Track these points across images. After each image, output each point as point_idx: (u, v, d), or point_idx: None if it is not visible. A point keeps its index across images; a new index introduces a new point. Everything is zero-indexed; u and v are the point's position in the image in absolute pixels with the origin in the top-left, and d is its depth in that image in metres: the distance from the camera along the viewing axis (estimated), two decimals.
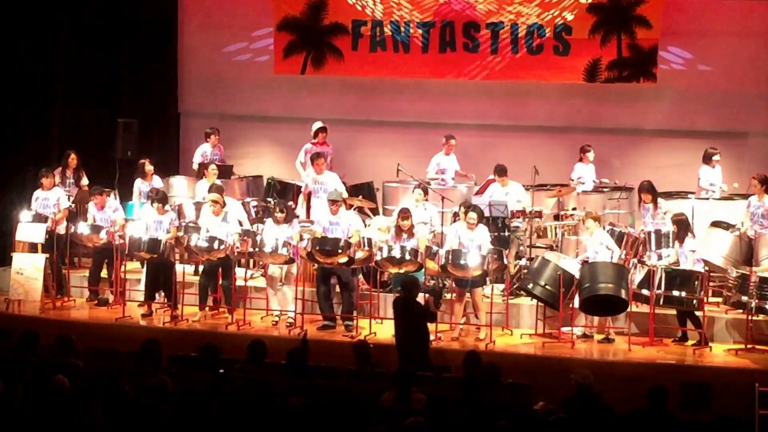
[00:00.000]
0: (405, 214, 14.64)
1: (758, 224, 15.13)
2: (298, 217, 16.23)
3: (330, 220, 14.89)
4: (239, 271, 15.64)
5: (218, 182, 16.59)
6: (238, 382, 10.42)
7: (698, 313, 14.09)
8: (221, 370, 10.79)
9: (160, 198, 15.46)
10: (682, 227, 14.38)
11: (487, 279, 14.62)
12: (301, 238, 14.87)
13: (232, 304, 15.12)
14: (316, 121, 18.28)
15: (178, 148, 20.28)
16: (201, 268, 15.89)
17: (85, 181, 17.49)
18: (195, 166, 18.30)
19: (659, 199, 15.48)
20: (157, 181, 17.30)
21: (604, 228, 14.92)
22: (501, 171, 16.49)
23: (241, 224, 15.65)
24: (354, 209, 16.13)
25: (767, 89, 18.25)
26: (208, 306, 15.47)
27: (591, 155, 17.46)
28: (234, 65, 20.11)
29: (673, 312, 14.37)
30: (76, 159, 17.51)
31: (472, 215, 14.47)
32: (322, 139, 18.06)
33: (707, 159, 16.75)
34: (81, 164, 17.57)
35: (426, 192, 15.80)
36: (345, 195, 15.77)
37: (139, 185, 17.35)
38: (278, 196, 17.08)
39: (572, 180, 17.26)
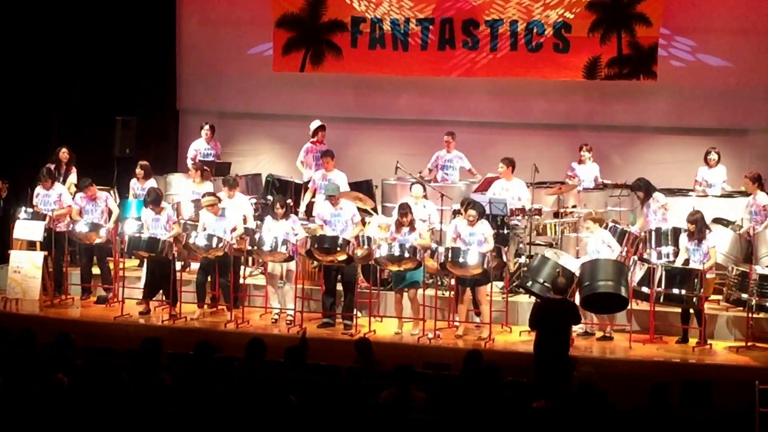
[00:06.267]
0: (404, 209, 14.57)
1: (754, 221, 15.18)
2: (297, 213, 16.17)
3: (331, 212, 14.88)
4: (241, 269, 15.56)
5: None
6: (237, 379, 10.37)
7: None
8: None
9: (152, 200, 15.29)
10: (700, 225, 14.23)
11: (490, 278, 14.53)
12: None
13: (230, 301, 15.07)
14: (314, 120, 18.24)
15: (177, 145, 20.22)
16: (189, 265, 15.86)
17: (72, 178, 17.11)
18: (189, 163, 18.19)
19: (656, 193, 15.45)
20: (150, 183, 16.93)
21: (606, 227, 14.84)
22: (510, 162, 16.35)
23: (245, 221, 15.58)
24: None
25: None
26: (206, 304, 15.41)
27: (586, 155, 17.29)
28: (233, 62, 20.06)
29: (674, 309, 14.33)
30: (68, 154, 17.26)
31: (472, 212, 14.41)
32: (321, 138, 17.98)
33: (704, 158, 16.79)
34: (73, 160, 17.27)
35: (425, 189, 15.73)
36: (341, 189, 15.66)
37: (133, 185, 17.14)
38: (277, 194, 17.00)
39: (568, 175, 17.21)
